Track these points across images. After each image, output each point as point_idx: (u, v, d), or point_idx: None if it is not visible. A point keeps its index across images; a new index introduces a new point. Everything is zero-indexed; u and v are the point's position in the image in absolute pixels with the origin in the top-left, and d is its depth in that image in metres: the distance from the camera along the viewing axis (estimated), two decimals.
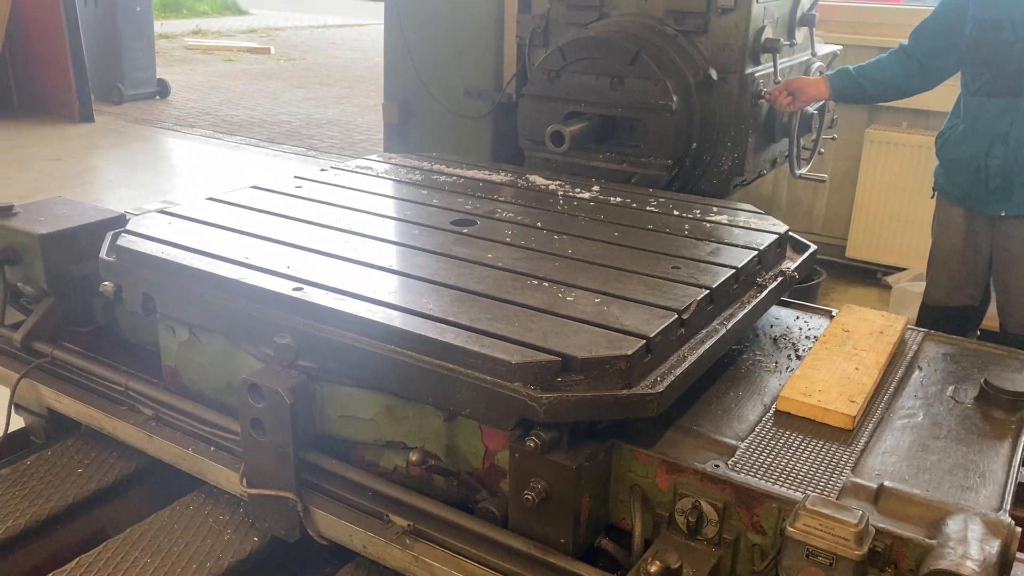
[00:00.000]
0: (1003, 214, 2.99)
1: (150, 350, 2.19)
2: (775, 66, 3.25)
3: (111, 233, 2.07)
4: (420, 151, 3.21)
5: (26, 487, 2.05)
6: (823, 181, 4.28)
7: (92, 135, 9.24)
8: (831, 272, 5.38)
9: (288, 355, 1.73)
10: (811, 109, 3.47)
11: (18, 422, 2.49)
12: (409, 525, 1.65)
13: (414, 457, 1.70)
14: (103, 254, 2.00)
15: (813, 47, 3.71)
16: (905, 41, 3.15)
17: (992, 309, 3.25)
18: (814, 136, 3.72)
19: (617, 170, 3.13)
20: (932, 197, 3.28)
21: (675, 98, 3.02)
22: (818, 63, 3.67)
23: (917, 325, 3.28)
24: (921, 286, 3.44)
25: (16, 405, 2.44)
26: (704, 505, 1.53)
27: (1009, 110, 2.87)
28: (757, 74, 3.19)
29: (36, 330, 2.22)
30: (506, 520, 1.64)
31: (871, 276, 5.44)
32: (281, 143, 9.37)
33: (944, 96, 3.23)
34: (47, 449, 2.20)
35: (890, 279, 5.12)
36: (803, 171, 3.73)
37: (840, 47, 4.23)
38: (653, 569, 1.43)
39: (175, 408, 2.00)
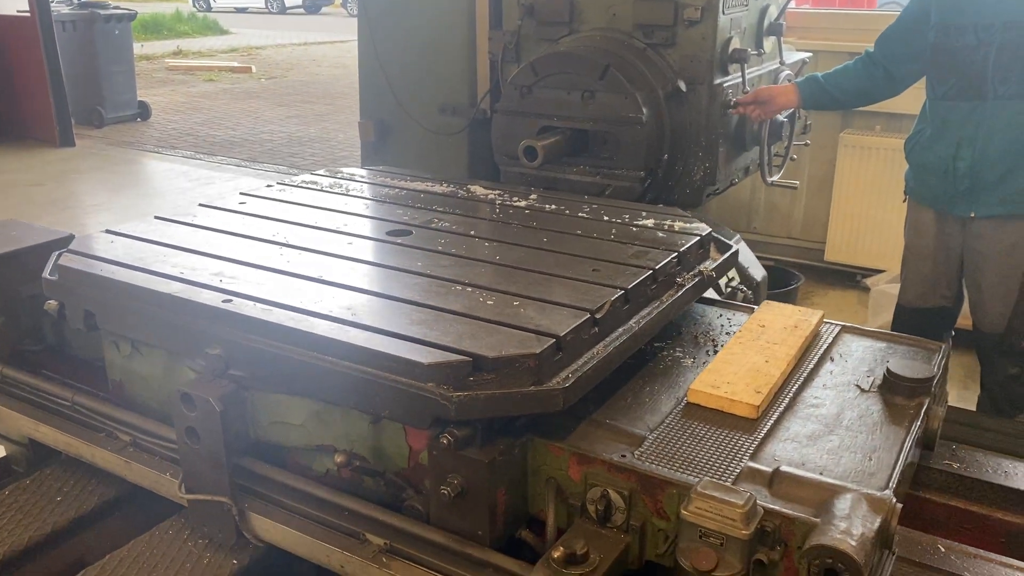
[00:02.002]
0: (972, 215, 3.03)
1: (99, 366, 2.26)
2: (743, 76, 3.32)
3: (55, 253, 2.15)
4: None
5: (4, 517, 2.06)
6: (795, 188, 4.36)
7: (73, 159, 9.31)
8: (811, 276, 5.47)
9: (219, 365, 1.81)
10: (781, 117, 3.55)
11: None
12: (386, 543, 1.69)
13: (339, 459, 1.78)
14: (46, 273, 2.08)
15: (781, 56, 3.80)
16: (871, 48, 3.22)
17: (965, 308, 3.29)
18: (785, 143, 3.80)
19: (591, 183, 3.20)
20: (904, 201, 3.35)
21: (645, 110, 3.10)
22: (787, 71, 3.76)
23: (892, 327, 3.38)
24: (899, 287, 3.52)
25: None
26: (612, 494, 1.61)
27: (975, 113, 2.92)
28: (726, 84, 3.26)
29: None
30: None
31: (850, 279, 5.52)
32: (263, 162, 9.46)
33: (916, 99, 3.29)
34: (26, 478, 2.22)
35: (868, 281, 5.21)
36: (775, 178, 3.80)
37: (810, 54, 4.32)
38: (557, 555, 1.51)
39: (119, 421, 2.07)
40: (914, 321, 3.23)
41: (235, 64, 16.23)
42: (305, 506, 1.80)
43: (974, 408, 3.27)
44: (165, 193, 8.38)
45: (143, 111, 11.32)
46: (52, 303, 2.08)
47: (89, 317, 2.02)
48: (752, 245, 4.17)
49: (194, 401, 1.77)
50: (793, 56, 4.03)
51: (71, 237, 2.33)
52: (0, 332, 2.31)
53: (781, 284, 4.85)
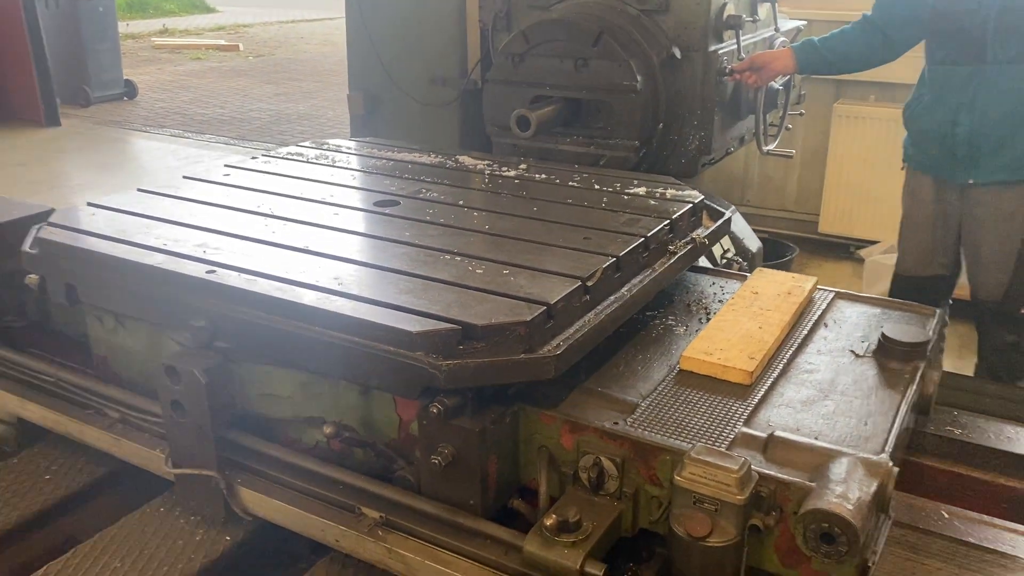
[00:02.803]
0: (971, 182, 3.00)
1: (84, 341, 2.22)
2: (738, 42, 3.27)
3: (35, 226, 2.10)
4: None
5: None
6: (790, 157, 4.32)
7: (59, 139, 9.20)
8: (805, 248, 5.44)
9: (204, 337, 1.78)
10: (776, 85, 3.50)
11: None
12: (381, 517, 1.66)
13: (328, 430, 1.75)
14: (26, 246, 2.04)
15: (776, 22, 3.74)
16: (869, 12, 3.16)
17: (964, 278, 3.27)
18: (780, 112, 3.76)
19: (585, 153, 3.15)
20: (902, 168, 3.31)
21: (639, 78, 3.05)
22: (781, 38, 3.71)
23: (890, 296, 3.35)
24: (893, 258, 3.48)
25: None
26: (604, 461, 1.59)
27: (974, 78, 2.88)
28: (721, 51, 3.21)
29: None
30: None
31: (844, 250, 5.50)
32: (252, 140, 9.37)
33: (910, 68, 3.26)
34: (14, 457, 2.19)
35: (862, 252, 5.19)
36: (771, 148, 3.76)
37: (804, 22, 4.27)
38: (549, 523, 1.49)
39: (106, 397, 2.04)
40: (912, 290, 3.21)
41: (222, 42, 16.04)
42: (297, 479, 1.77)
43: None
44: (153, 172, 8.29)
45: (129, 90, 11.17)
46: (33, 277, 2.04)
47: (71, 291, 1.98)
48: (746, 218, 4.14)
49: (179, 373, 1.74)
50: (788, 23, 3.98)
51: (51, 211, 2.29)
52: None
53: (775, 256, 4.84)
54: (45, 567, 1.77)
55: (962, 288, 3.31)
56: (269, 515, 1.78)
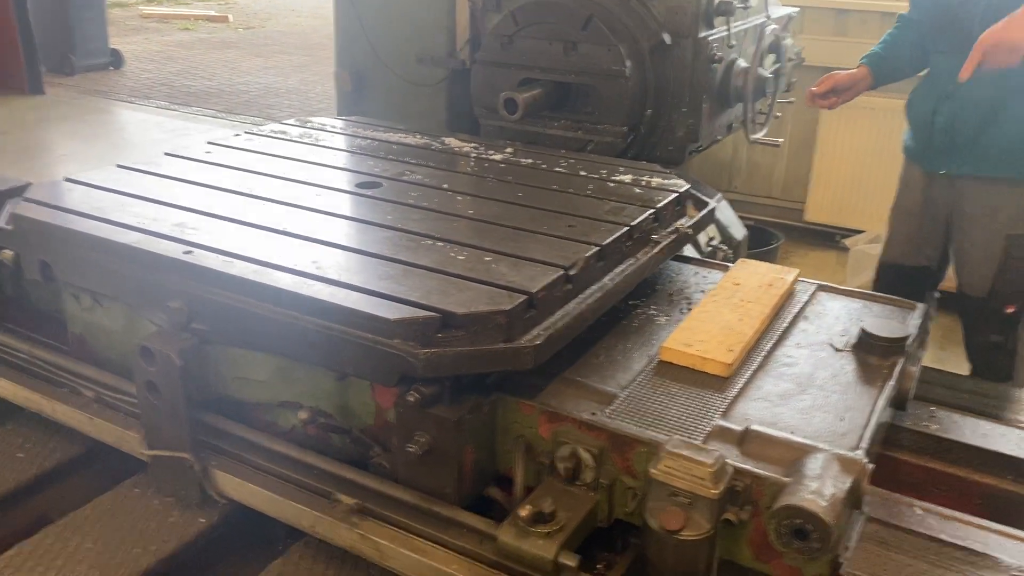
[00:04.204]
0: (943, 172, 3.01)
1: (59, 319, 2.20)
2: (729, 29, 3.25)
3: (10, 201, 2.07)
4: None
5: None
6: (777, 145, 4.30)
7: (42, 108, 9.08)
8: (790, 236, 5.45)
9: (180, 319, 1.76)
10: (765, 72, 3.48)
11: None
12: (356, 503, 1.65)
13: (303, 415, 1.74)
14: (0, 222, 2.00)
15: (768, 9, 3.71)
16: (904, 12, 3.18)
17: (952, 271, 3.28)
18: (769, 100, 3.74)
19: (572, 138, 3.13)
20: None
21: (628, 64, 3.03)
22: (773, 25, 3.68)
23: (874, 284, 3.36)
24: (878, 247, 3.48)
25: None
26: (581, 451, 1.58)
27: (958, 68, 2.82)
28: (711, 38, 3.19)
29: None
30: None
31: (830, 239, 5.51)
32: (240, 113, 9.27)
33: None
34: None
35: (847, 241, 5.19)
36: (758, 136, 3.74)
37: (797, 9, 4.24)
38: (524, 513, 1.48)
39: (81, 376, 2.02)
40: (895, 279, 3.21)
41: (211, 13, 15.84)
42: (272, 464, 1.76)
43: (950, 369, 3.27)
44: (138, 144, 8.20)
45: (115, 59, 11.02)
46: (7, 253, 2.01)
47: (46, 268, 1.95)
48: (733, 205, 4.13)
49: (153, 355, 1.72)
50: (779, 11, 3.94)
51: (27, 186, 2.25)
52: None
53: (761, 244, 4.83)
54: (16, 547, 1.75)
55: (950, 280, 3.32)
56: (244, 499, 1.77)
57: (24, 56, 9.29)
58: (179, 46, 13.18)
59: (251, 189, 2.19)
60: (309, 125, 2.84)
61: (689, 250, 2.53)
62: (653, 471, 1.44)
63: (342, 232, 1.97)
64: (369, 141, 2.69)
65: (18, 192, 2.23)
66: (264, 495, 1.73)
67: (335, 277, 1.71)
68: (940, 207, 3.13)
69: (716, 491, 1.39)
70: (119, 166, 2.36)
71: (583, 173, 2.40)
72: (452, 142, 2.69)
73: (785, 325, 1.95)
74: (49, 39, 9.99)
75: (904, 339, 1.82)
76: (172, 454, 1.78)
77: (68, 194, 2.11)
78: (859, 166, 5.20)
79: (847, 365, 1.81)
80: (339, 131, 2.80)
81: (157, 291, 1.79)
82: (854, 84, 3.21)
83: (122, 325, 1.99)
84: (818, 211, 5.51)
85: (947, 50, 2.91)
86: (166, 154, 2.49)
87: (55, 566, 1.70)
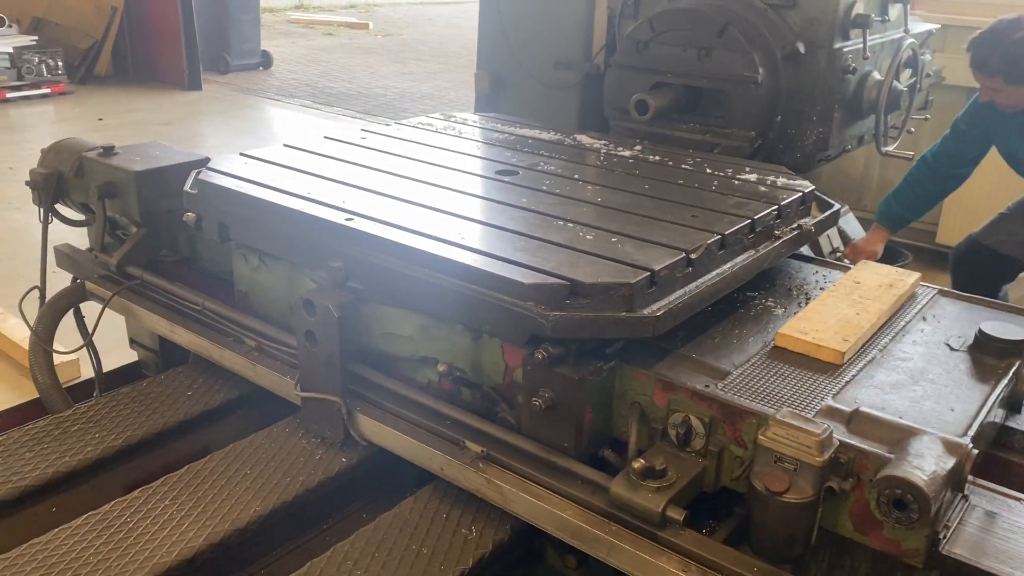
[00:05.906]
0: None
1: (226, 279, 2.47)
2: (864, 42, 3.28)
3: (195, 170, 2.36)
4: None
5: (143, 404, 2.31)
6: (909, 158, 4.26)
7: (199, 102, 9.83)
8: (921, 258, 5.31)
9: (339, 277, 1.98)
10: (900, 86, 3.49)
11: (132, 356, 2.86)
12: (483, 451, 1.82)
13: (441, 368, 1.93)
14: (187, 187, 2.29)
15: (906, 24, 3.70)
16: (926, 154, 3.48)
17: None
18: (903, 115, 3.72)
19: (700, 141, 3.23)
20: None
21: (761, 71, 3.11)
22: (910, 40, 3.67)
23: (952, 252, 3.50)
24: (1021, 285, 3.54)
25: (131, 340, 2.80)
26: (693, 420, 1.70)
27: None
28: (846, 49, 3.23)
29: (129, 257, 2.53)
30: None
31: None
32: (376, 115, 9.75)
33: None
34: (161, 374, 2.48)
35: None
36: (889, 149, 3.74)
37: (937, 26, 4.19)
38: (636, 467, 1.61)
39: (245, 326, 2.28)
40: (978, 256, 3.32)
41: (353, 20, 16.64)
42: (410, 411, 1.95)
43: None
44: (283, 139, 8.69)
45: (265, 60, 11.79)
46: (191, 215, 2.29)
47: (223, 229, 2.22)
48: (862, 223, 4.13)
49: (315, 307, 1.95)
50: (920, 27, 3.91)
51: (207, 159, 2.55)
52: (141, 242, 2.55)
53: (888, 262, 4.75)
54: (186, 467, 2.01)
55: None
56: (383, 441, 1.97)
57: (186, 54, 10.09)
58: (322, 50, 13.92)
59: (401, 170, 2.41)
60: (452, 119, 3.06)
61: (809, 254, 2.59)
62: (762, 437, 1.54)
63: (482, 211, 2.15)
64: (506, 135, 2.88)
65: (201, 164, 2.52)
66: (401, 439, 1.92)
67: (476, 246, 1.89)
68: None
69: (821, 459, 1.48)
70: (285, 145, 2.63)
71: (709, 171, 2.51)
72: (583, 139, 2.84)
73: (903, 323, 2.00)
74: (208, 39, 10.79)
75: (1022, 342, 1.85)
76: (324, 396, 2.00)
77: (243, 166, 2.38)
78: (996, 188, 5.04)
79: (961, 363, 1.85)
80: (479, 125, 3.01)
81: (319, 252, 2.02)
82: (873, 248, 3.66)
83: (283, 283, 2.23)
84: (951, 233, 5.36)
85: None
86: (326, 137, 2.75)
87: (218, 484, 1.95)
